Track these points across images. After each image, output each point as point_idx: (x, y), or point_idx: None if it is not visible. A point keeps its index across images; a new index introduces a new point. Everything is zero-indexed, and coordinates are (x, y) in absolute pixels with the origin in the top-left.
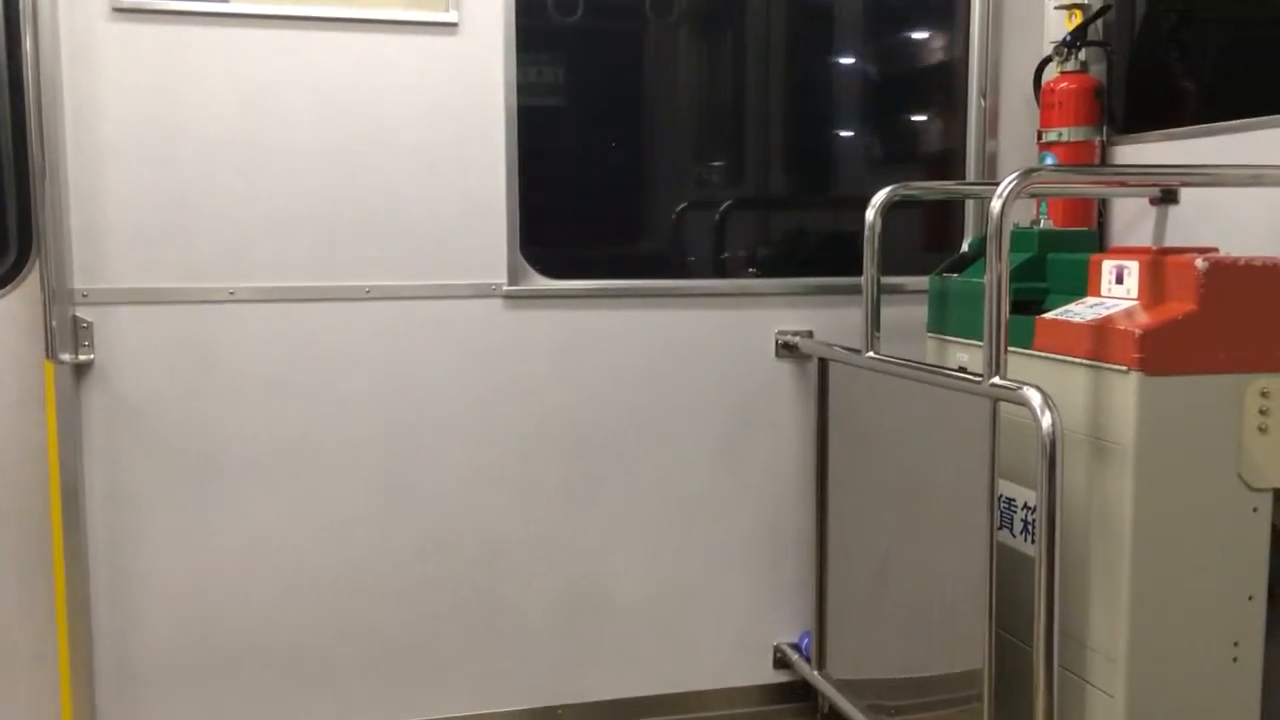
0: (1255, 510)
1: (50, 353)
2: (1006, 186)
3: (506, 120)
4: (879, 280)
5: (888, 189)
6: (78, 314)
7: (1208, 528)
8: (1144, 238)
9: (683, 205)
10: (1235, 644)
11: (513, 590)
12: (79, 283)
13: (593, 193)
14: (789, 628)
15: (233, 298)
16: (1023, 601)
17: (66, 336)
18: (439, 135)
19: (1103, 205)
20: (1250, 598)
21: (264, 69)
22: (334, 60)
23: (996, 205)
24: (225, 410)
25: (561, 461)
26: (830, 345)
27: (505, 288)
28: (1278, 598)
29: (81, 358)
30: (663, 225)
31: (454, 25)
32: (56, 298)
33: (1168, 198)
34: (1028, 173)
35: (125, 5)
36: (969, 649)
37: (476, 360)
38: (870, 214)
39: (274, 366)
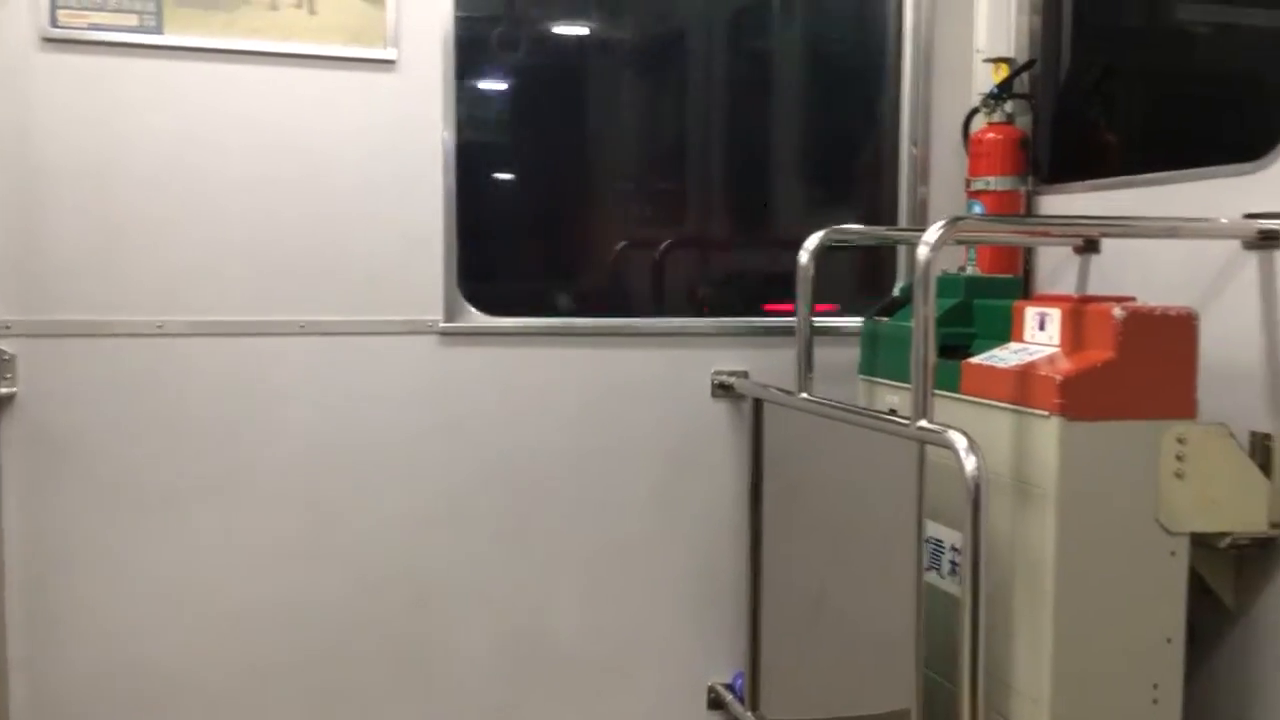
0: (1173, 554)
1: None
2: (933, 233)
3: (444, 156)
4: (812, 322)
5: (820, 233)
6: (0, 346)
7: (1128, 571)
8: (1068, 285)
9: (621, 244)
10: (1155, 686)
11: (445, 631)
12: (2, 314)
13: (531, 230)
14: (723, 668)
15: (161, 331)
16: (950, 642)
17: None
18: (376, 170)
19: (1028, 252)
20: (1169, 640)
21: (198, 102)
22: (269, 95)
23: (923, 251)
24: (152, 445)
25: (496, 500)
26: (765, 386)
27: (441, 324)
28: (1196, 640)
29: (3, 390)
30: (601, 264)
31: (392, 63)
32: None
33: (1090, 247)
34: (954, 221)
35: (56, 35)
36: (898, 689)
37: (411, 397)
38: (803, 257)
39: (203, 401)
